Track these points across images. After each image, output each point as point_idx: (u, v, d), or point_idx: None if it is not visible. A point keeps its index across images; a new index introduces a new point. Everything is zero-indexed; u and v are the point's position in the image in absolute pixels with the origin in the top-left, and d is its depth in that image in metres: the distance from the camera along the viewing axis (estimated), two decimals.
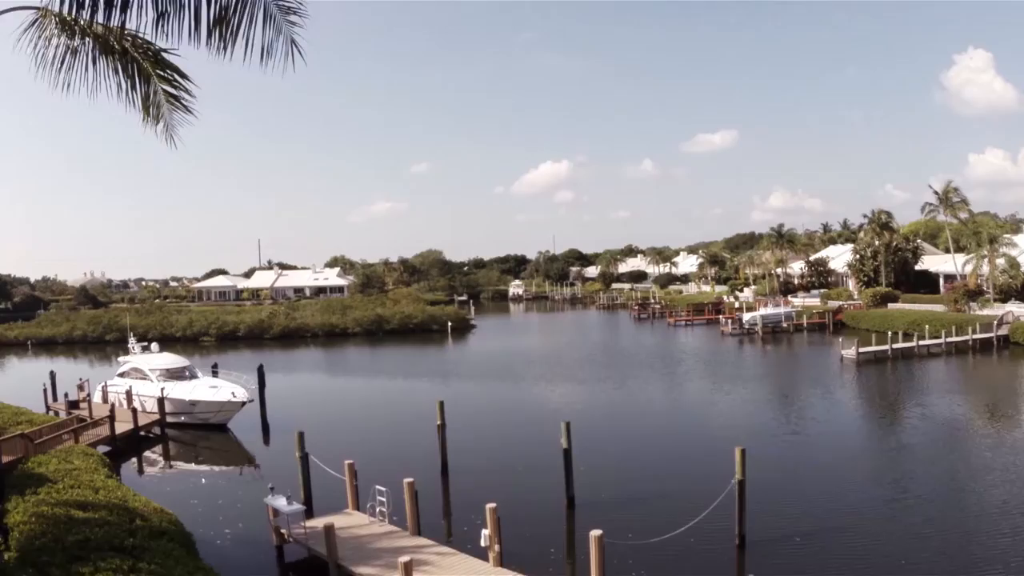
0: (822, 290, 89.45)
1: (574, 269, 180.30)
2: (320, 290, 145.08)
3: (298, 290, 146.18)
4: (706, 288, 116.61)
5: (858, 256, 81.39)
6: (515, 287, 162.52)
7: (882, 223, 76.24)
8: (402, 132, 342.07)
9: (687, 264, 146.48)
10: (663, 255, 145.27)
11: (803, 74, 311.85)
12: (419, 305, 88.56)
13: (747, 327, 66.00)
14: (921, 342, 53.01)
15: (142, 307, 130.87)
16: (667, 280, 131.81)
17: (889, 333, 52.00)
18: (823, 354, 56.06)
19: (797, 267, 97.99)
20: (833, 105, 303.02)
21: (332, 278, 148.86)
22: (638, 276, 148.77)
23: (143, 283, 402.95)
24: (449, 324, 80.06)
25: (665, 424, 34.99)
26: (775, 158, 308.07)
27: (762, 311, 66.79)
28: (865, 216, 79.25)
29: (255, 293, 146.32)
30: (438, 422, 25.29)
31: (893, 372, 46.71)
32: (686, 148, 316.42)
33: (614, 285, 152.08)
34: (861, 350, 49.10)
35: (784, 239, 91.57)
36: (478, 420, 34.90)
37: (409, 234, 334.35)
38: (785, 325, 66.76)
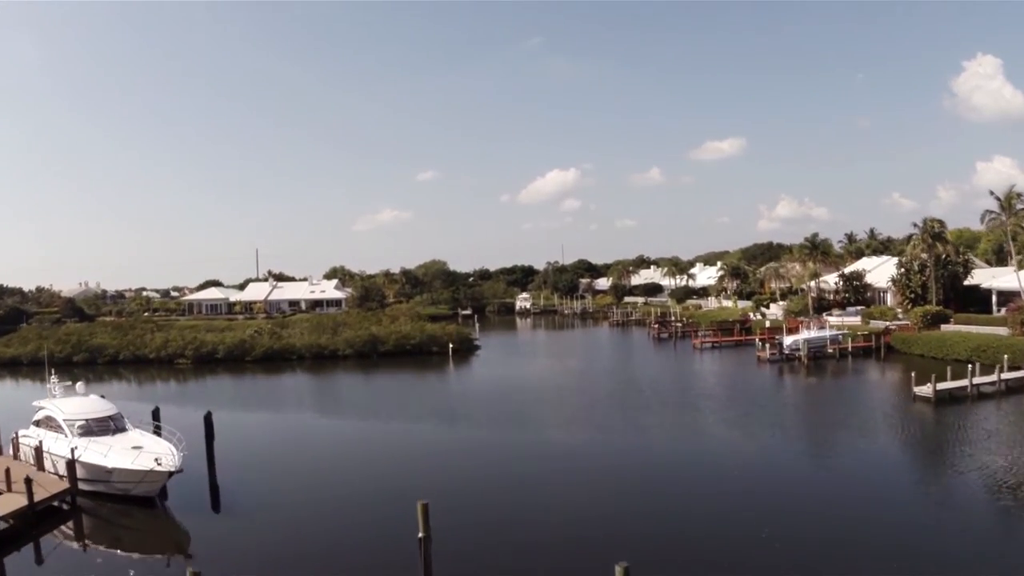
0: (859, 307, 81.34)
1: (584, 281, 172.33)
2: (316, 303, 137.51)
3: (293, 303, 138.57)
4: (727, 303, 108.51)
5: (903, 270, 73.28)
6: (522, 300, 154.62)
7: (935, 234, 68.16)
8: (408, 140, 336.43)
9: (704, 276, 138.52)
10: (679, 267, 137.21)
11: (812, 80, 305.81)
12: (418, 323, 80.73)
13: (788, 353, 57.97)
14: (1002, 375, 44.92)
15: (126, 322, 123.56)
16: (684, 294, 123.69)
17: (970, 367, 43.81)
18: (887, 389, 47.98)
19: (830, 280, 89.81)
20: (841, 112, 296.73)
21: (329, 290, 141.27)
22: (652, 289, 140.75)
23: (143, 292, 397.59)
24: (450, 346, 72.18)
25: (746, 515, 24.66)
26: (783, 166, 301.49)
27: (805, 334, 58.74)
28: (916, 225, 70.95)
29: (247, 306, 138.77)
30: (420, 534, 17.28)
31: (981, 415, 38.60)
32: (694, 155, 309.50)
33: (626, 298, 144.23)
34: (939, 387, 41.02)
35: (818, 251, 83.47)
36: (481, 511, 26.38)
37: (414, 243, 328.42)
38: (830, 350, 58.71)
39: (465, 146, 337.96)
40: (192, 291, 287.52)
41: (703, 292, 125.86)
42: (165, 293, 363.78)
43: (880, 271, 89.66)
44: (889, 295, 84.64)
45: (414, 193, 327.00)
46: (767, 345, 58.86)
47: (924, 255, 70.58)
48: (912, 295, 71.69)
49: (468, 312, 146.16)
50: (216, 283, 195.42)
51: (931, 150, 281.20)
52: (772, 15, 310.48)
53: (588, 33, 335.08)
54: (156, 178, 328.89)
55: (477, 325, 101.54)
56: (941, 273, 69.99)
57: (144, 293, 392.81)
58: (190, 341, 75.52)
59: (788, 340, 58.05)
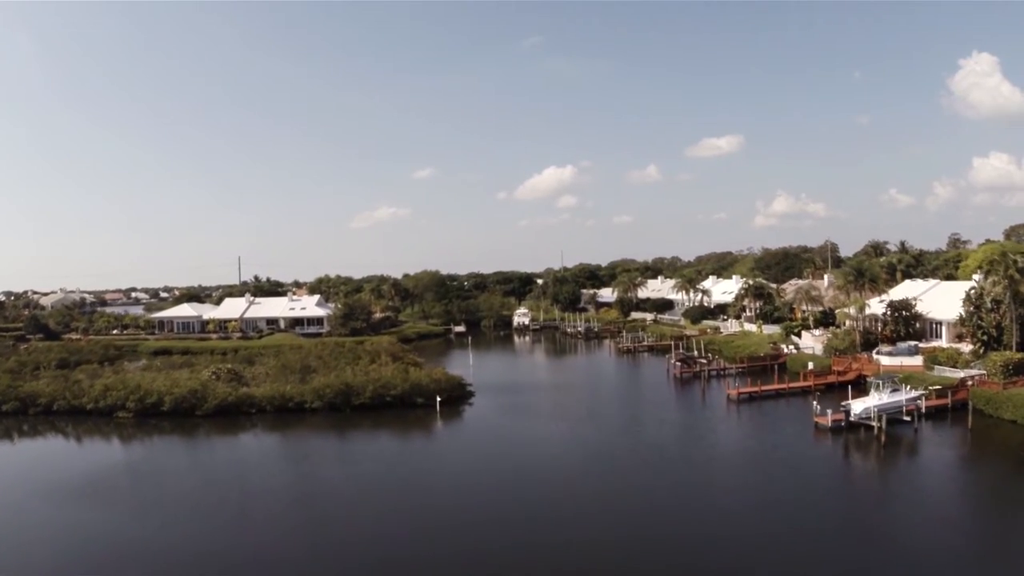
0: (911, 343, 70.21)
1: (586, 292, 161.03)
2: (296, 321, 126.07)
3: (271, 321, 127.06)
4: (750, 327, 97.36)
5: (973, 307, 62.12)
6: (520, 316, 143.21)
7: (1020, 269, 56.98)
8: (406, 137, 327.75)
9: (719, 291, 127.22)
10: (691, 280, 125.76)
11: (810, 78, 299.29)
12: (401, 366, 69.17)
13: (856, 419, 46.77)
14: None
15: (85, 346, 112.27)
16: (699, 314, 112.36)
17: None
18: (1010, 497, 36.45)
19: (874, 306, 78.45)
20: (839, 109, 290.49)
21: (310, 307, 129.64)
22: (663, 306, 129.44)
23: (132, 293, 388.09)
24: (438, 399, 60.76)
25: None
26: (780, 163, 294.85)
27: (876, 399, 47.44)
28: (993, 263, 59.74)
29: (222, 324, 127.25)
30: None
31: None
32: (692, 153, 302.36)
33: (633, 313, 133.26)
34: None
35: (865, 278, 72.17)
36: None
37: (411, 241, 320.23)
38: (907, 418, 47.49)
39: (463, 143, 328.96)
40: (182, 293, 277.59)
41: (719, 309, 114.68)
42: (154, 294, 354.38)
43: (930, 299, 78.67)
44: (944, 328, 73.74)
45: (411, 190, 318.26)
46: (829, 412, 47.43)
47: (999, 289, 59.50)
48: (985, 336, 60.58)
49: (462, 329, 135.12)
50: (196, 296, 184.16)
51: (928, 146, 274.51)
52: (770, 14, 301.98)
53: (587, 32, 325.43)
54: (153, 177, 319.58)
55: (471, 356, 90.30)
56: (1020, 312, 58.93)
57: (133, 294, 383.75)
58: (133, 390, 64.05)
59: (857, 407, 46.74)
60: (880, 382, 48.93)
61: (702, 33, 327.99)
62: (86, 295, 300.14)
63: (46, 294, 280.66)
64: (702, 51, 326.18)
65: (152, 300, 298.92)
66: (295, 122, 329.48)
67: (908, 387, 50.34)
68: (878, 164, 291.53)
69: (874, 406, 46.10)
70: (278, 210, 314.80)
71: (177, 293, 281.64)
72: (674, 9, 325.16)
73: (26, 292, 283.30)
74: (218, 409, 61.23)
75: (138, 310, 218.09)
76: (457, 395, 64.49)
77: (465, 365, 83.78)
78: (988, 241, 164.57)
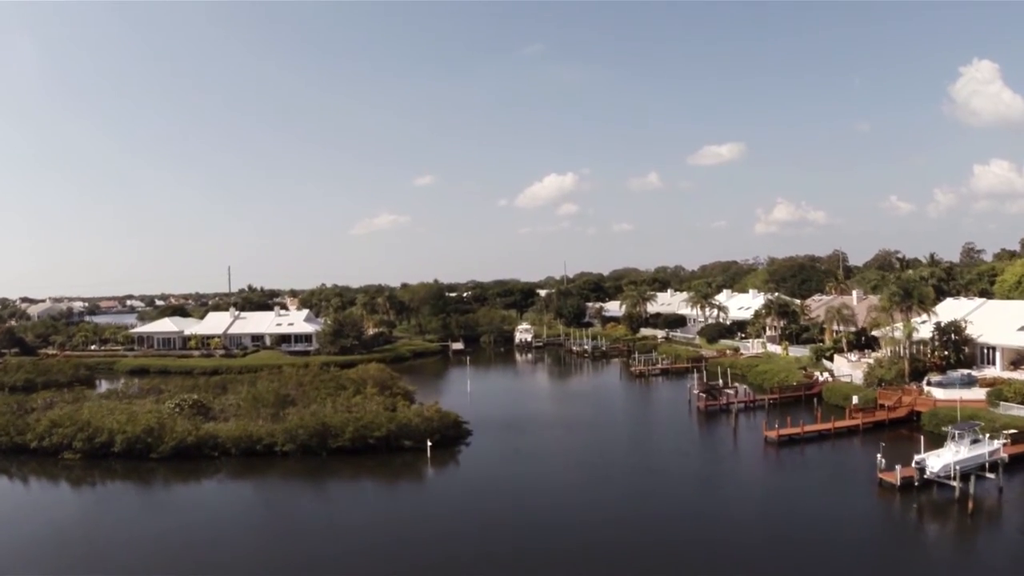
0: (963, 372, 62.22)
1: (591, 306, 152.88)
2: (283, 338, 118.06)
3: (256, 338, 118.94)
4: (775, 349, 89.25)
5: None
6: (522, 332, 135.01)
7: None
8: (407, 144, 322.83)
9: (735, 306, 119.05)
10: (706, 295, 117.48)
11: (810, 84, 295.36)
12: (387, 399, 61.09)
13: (932, 477, 38.72)
14: None
15: (54, 364, 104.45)
16: (716, 332, 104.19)
17: None
18: None
19: (919, 327, 70.30)
20: (840, 116, 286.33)
21: (298, 323, 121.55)
22: (675, 322, 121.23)
23: (129, 301, 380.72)
24: (428, 443, 52.52)
25: None
26: (780, 170, 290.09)
27: (955, 453, 39.29)
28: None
29: (204, 341, 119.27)
30: None
31: None
32: (693, 160, 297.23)
33: (643, 329, 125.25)
34: None
35: (913, 299, 64.07)
36: None
37: (411, 248, 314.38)
38: (990, 475, 39.32)
39: (463, 151, 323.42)
40: (177, 301, 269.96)
41: (737, 327, 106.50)
42: (150, 302, 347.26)
43: (978, 320, 70.48)
44: (998, 355, 65.80)
45: (412, 197, 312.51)
46: (899, 468, 39.17)
47: None
48: None
49: (460, 346, 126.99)
50: (180, 309, 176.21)
51: (929, 154, 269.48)
52: (770, 21, 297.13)
53: (588, 39, 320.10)
54: (153, 182, 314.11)
55: (470, 380, 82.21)
56: None
57: (129, 302, 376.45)
58: (81, 427, 55.94)
59: (935, 463, 38.59)
60: (958, 432, 40.78)
61: (703, 40, 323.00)
62: (76, 303, 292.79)
63: (36, 302, 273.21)
64: (703, 58, 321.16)
65: (147, 308, 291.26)
66: (296, 128, 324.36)
67: (981, 431, 42.26)
68: (878, 171, 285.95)
69: (954, 462, 38.04)
70: (278, 217, 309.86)
71: (173, 301, 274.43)
72: (675, 16, 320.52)
73: (15, 300, 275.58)
74: (176, 451, 53.13)
75: (131, 318, 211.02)
76: (453, 434, 56.37)
77: (463, 392, 75.94)
78: (1004, 251, 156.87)
